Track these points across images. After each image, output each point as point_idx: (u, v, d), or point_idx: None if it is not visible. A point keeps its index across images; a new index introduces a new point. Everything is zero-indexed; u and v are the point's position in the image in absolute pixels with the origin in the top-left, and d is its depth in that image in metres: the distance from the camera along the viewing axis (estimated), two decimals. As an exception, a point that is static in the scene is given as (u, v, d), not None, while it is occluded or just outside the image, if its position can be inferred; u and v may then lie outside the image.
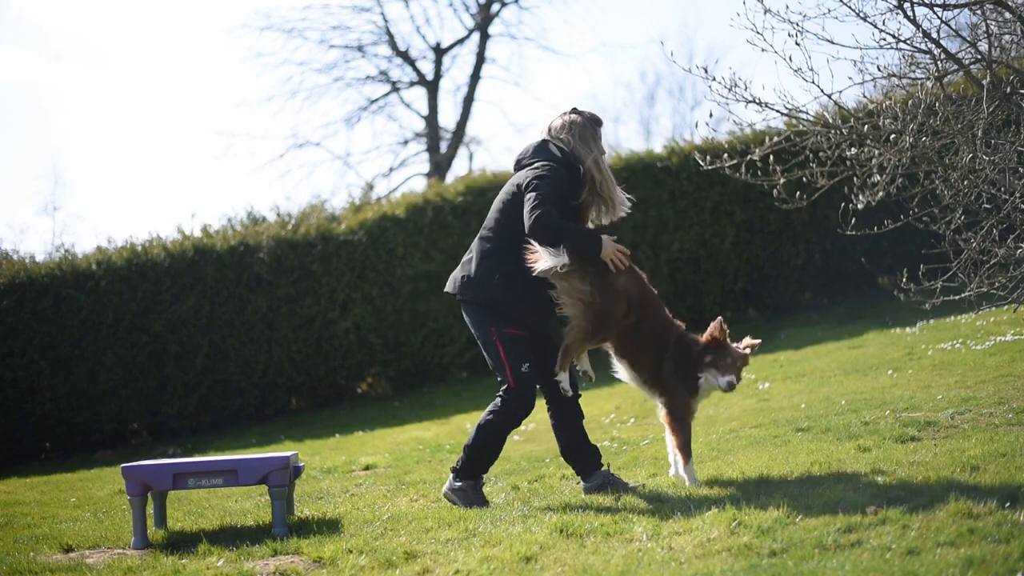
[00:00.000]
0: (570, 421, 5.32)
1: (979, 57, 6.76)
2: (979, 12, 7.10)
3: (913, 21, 6.33)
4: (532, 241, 5.04)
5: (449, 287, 5.34)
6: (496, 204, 5.30)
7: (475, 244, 5.31)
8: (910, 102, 6.61)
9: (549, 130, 5.39)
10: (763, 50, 6.48)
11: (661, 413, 5.28)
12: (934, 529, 3.86)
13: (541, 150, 5.30)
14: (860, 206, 7.39)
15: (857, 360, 8.93)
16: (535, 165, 5.19)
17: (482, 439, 5.20)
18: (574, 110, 5.41)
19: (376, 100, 24.05)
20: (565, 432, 5.33)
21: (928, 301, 6.85)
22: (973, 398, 6.40)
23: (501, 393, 5.18)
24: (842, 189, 7.89)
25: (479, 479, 5.33)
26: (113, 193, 39.55)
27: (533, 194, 5.03)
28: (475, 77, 23.94)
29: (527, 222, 5.01)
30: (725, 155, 7.73)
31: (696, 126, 15.19)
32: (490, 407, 5.22)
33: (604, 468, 5.38)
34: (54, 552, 5.13)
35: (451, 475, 5.35)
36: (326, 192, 31.36)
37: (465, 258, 5.32)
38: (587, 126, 5.33)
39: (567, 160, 5.24)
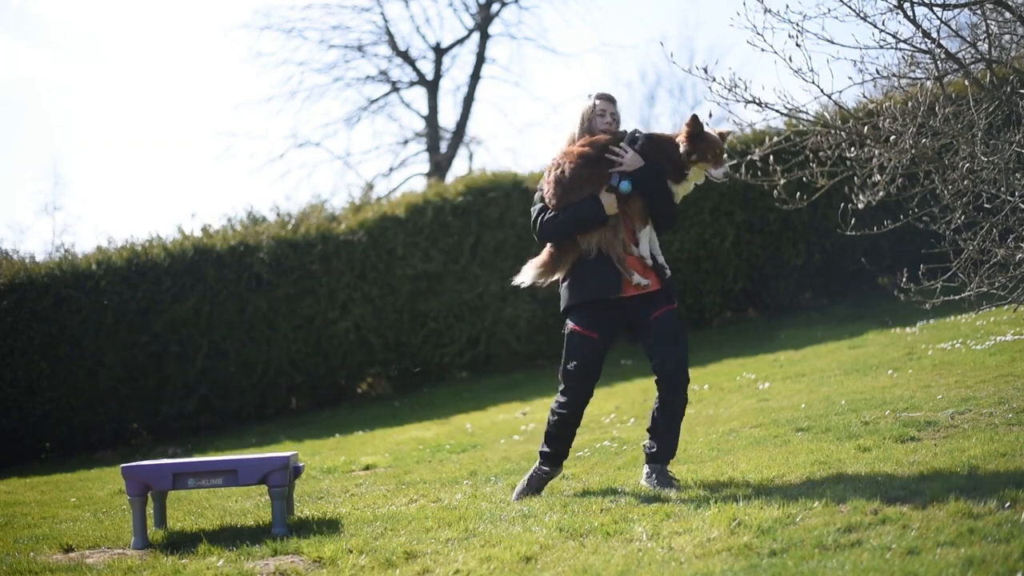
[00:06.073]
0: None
1: (979, 57, 6.75)
2: (979, 12, 7.09)
3: (913, 21, 6.33)
4: None
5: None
6: None
7: None
8: (910, 102, 6.61)
9: None
10: (763, 50, 6.49)
11: None
12: (934, 529, 3.86)
13: None
14: (860, 206, 7.39)
15: (857, 360, 8.92)
16: None
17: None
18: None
19: (376, 100, 24.04)
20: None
21: (928, 301, 6.84)
22: (973, 398, 6.39)
23: None
24: (842, 189, 7.89)
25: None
26: (113, 193, 39.59)
27: None
28: (475, 77, 23.93)
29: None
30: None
31: (696, 126, 15.16)
32: None
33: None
34: (54, 552, 5.12)
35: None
36: (326, 192, 31.32)
37: None
38: None
39: None
